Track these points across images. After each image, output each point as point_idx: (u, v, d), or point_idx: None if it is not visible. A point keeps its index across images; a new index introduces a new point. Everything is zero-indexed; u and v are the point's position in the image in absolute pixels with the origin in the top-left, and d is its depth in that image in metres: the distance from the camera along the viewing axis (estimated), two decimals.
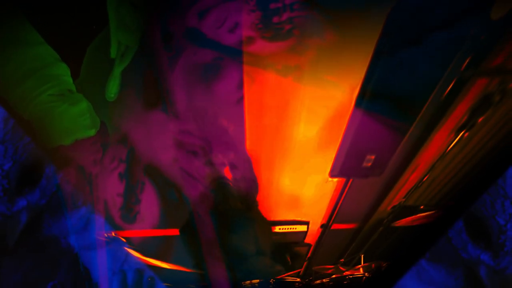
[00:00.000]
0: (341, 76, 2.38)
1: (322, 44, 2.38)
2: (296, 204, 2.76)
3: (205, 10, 2.29)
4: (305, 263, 2.89)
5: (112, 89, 2.44)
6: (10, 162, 2.39)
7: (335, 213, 2.74)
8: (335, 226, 2.79)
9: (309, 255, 2.90)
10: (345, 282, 2.51)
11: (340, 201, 2.68)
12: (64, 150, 2.52)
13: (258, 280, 2.46)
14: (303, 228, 2.80)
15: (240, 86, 2.49)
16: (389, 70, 2.18)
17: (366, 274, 2.58)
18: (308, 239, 2.87)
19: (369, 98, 2.26)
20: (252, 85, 2.45)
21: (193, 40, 2.37)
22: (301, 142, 2.48)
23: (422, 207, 2.54)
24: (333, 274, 2.65)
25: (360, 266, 2.66)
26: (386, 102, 2.26)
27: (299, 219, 2.81)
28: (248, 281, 2.49)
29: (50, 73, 2.44)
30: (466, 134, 2.13)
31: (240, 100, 2.54)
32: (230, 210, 2.74)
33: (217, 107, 2.56)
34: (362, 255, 2.70)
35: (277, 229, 2.77)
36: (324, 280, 2.58)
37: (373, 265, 2.61)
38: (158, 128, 2.59)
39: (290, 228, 2.81)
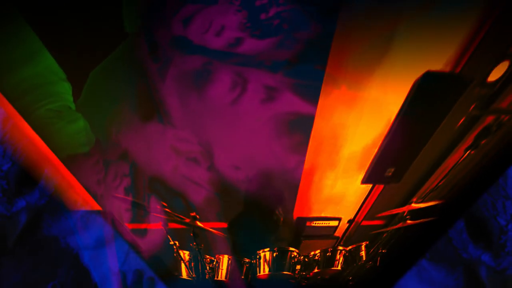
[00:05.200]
0: (334, 67, 2.41)
1: (310, 36, 2.32)
2: (334, 203, 3.15)
3: (189, 17, 2.22)
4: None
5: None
6: (9, 163, 2.38)
7: (362, 210, 3.18)
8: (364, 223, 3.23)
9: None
10: (315, 258, 2.86)
11: (367, 201, 3.12)
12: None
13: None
14: (334, 223, 3.24)
15: (232, 88, 2.46)
16: None
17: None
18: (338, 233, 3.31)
19: None
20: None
21: (181, 48, 2.32)
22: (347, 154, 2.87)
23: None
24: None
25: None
26: None
27: (332, 215, 3.20)
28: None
29: (51, 90, 2.41)
30: (473, 152, 2.60)
31: (234, 101, 2.50)
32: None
33: (212, 110, 2.53)
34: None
35: (313, 223, 3.19)
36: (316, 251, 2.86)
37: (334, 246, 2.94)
38: (157, 139, 2.57)
39: (324, 223, 3.22)
